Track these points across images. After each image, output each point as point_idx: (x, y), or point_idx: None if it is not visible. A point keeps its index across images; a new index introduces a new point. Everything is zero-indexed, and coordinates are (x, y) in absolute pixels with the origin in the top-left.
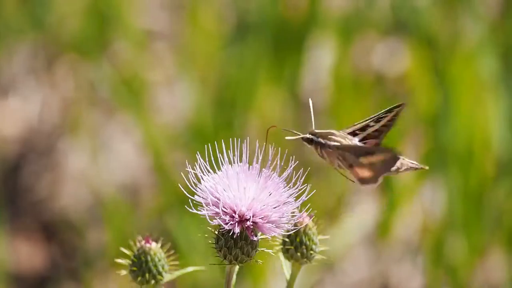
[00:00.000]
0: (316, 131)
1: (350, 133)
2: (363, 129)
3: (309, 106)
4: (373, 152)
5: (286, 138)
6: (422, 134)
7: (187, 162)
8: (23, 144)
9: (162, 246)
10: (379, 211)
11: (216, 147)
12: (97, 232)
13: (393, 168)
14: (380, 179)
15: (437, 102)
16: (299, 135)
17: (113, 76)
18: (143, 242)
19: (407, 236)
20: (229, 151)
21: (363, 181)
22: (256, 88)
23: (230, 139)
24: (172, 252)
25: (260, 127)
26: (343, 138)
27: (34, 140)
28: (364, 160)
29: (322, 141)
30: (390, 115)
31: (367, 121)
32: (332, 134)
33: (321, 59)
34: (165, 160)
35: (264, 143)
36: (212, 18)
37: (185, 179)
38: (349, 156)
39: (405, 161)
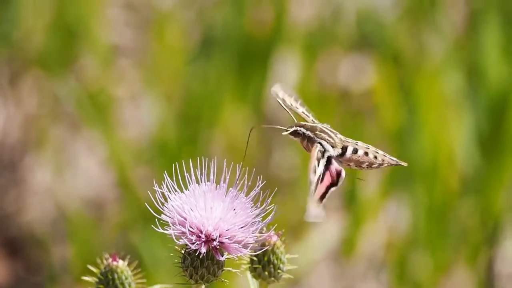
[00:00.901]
0: (303, 123)
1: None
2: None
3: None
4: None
5: (284, 134)
6: (387, 150)
7: (154, 181)
8: None
9: (129, 264)
10: (344, 227)
11: (184, 165)
12: (62, 247)
13: (375, 165)
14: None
15: (402, 118)
16: (290, 129)
17: (79, 92)
18: (110, 260)
19: (371, 252)
20: (196, 169)
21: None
22: (221, 104)
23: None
24: (138, 270)
25: (225, 143)
26: (325, 133)
27: None
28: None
29: (311, 134)
30: None
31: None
32: (317, 128)
33: (287, 75)
34: (129, 175)
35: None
36: (177, 34)
37: (152, 197)
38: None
39: (386, 157)
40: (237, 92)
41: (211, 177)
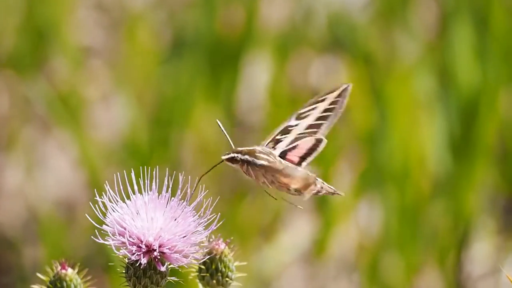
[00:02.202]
0: (240, 148)
1: (271, 141)
2: (285, 132)
3: (222, 128)
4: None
5: (223, 157)
6: (358, 152)
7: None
8: None
9: (80, 271)
10: (315, 229)
11: (125, 176)
12: (32, 248)
13: (314, 191)
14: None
15: (373, 120)
16: (225, 156)
17: (49, 93)
18: (59, 268)
19: (343, 254)
20: (139, 179)
21: (297, 190)
22: (192, 105)
23: (169, 159)
24: (88, 277)
25: (197, 145)
26: (265, 153)
27: None
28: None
29: (249, 158)
30: (324, 104)
31: (287, 122)
32: (255, 151)
33: (258, 77)
34: (100, 177)
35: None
36: (148, 35)
37: (93, 208)
38: (277, 177)
39: (324, 185)
40: (209, 93)
41: (153, 186)
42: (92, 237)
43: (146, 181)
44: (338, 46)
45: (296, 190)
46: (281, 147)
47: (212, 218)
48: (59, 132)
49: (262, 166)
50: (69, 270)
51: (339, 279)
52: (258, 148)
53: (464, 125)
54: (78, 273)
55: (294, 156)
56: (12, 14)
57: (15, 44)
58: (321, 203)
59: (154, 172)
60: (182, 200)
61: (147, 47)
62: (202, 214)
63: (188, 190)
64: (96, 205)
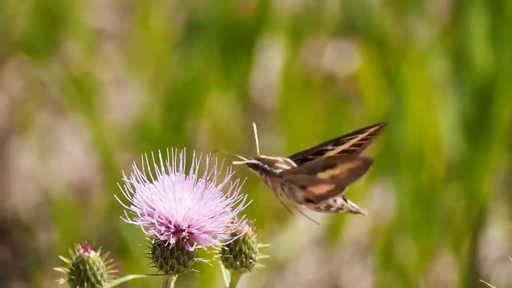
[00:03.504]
0: (262, 156)
1: (300, 159)
2: (318, 153)
3: (254, 131)
4: (334, 164)
5: (234, 163)
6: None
7: (134, 166)
8: None
9: (101, 254)
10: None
11: (153, 157)
12: (46, 232)
13: (334, 207)
14: (345, 190)
15: (387, 104)
16: (245, 160)
17: (63, 76)
18: (81, 251)
19: (357, 237)
20: (166, 160)
21: (320, 198)
22: (205, 89)
23: (182, 143)
24: (111, 260)
25: (210, 129)
26: (288, 165)
27: None
28: (323, 175)
29: (267, 168)
30: (361, 135)
31: (324, 145)
32: (277, 161)
33: (271, 60)
34: (114, 160)
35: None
36: (161, 19)
37: (121, 188)
38: (301, 178)
39: (346, 203)
40: (222, 77)
41: (180, 167)
42: (120, 217)
43: (173, 162)
44: (352, 30)
45: (315, 200)
46: (328, 160)
47: (239, 199)
48: (72, 116)
49: (279, 174)
50: (92, 253)
51: (353, 263)
52: (280, 159)
53: (478, 108)
54: (99, 256)
55: None
56: None
57: (28, 27)
58: None
59: (180, 154)
60: (209, 182)
61: (161, 30)
62: (229, 196)
63: (215, 172)
64: (124, 185)
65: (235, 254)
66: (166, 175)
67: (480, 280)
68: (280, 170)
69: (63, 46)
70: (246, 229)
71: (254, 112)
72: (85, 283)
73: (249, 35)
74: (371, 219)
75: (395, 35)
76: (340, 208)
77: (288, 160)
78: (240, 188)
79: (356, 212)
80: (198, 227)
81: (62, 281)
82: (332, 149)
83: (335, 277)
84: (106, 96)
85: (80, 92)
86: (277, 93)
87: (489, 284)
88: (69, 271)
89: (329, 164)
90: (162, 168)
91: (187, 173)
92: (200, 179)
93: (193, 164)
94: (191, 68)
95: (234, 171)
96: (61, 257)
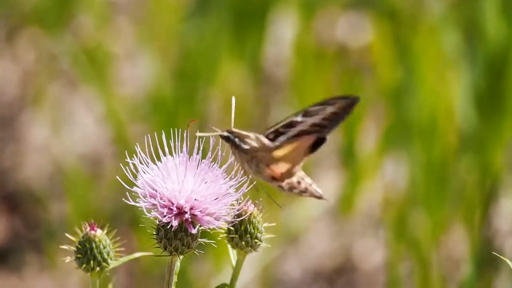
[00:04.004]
0: (234, 130)
1: (273, 132)
2: (289, 126)
3: (232, 105)
4: (283, 145)
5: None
6: (384, 108)
7: (146, 139)
8: None
9: (109, 232)
10: (342, 184)
11: (156, 137)
12: (59, 204)
13: (297, 190)
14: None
15: (399, 76)
16: (218, 132)
17: (75, 49)
18: (88, 229)
19: (369, 209)
20: (169, 140)
21: (281, 176)
22: (217, 61)
23: (194, 114)
24: (119, 237)
25: (222, 100)
26: (258, 142)
27: None
28: (280, 152)
29: (237, 142)
30: (330, 108)
31: (294, 115)
32: (248, 137)
33: (284, 32)
34: (126, 132)
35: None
36: None
37: (124, 170)
38: (262, 156)
39: (311, 187)
40: (234, 48)
41: (184, 149)
42: (123, 199)
43: (176, 142)
44: (365, 1)
45: (278, 179)
46: (280, 140)
47: (243, 181)
48: (84, 88)
49: (246, 150)
50: (98, 231)
51: (365, 235)
52: (252, 135)
53: (491, 80)
54: (107, 233)
55: None
56: None
57: (41, 0)
58: (347, 158)
59: (184, 133)
60: (213, 162)
61: (172, 2)
62: (233, 177)
63: (219, 153)
64: (127, 167)
65: (240, 234)
66: (170, 156)
67: (493, 252)
68: (248, 147)
69: (76, 18)
70: (251, 209)
71: (266, 84)
72: (91, 262)
73: (261, 6)
74: (384, 191)
75: (408, 7)
76: (303, 191)
77: (260, 136)
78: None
79: (319, 198)
80: (201, 209)
81: (68, 259)
82: (302, 121)
83: (348, 249)
84: (118, 68)
85: (92, 64)
86: (290, 65)
87: (501, 256)
88: (75, 249)
89: (286, 142)
90: (166, 149)
91: (191, 154)
92: (204, 160)
93: (196, 145)
94: (203, 40)
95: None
96: (67, 235)
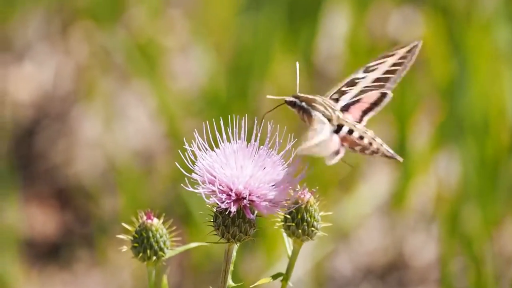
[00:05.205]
0: (300, 94)
1: (337, 93)
2: (351, 84)
3: (296, 72)
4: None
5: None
6: (437, 104)
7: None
8: (37, 109)
9: (164, 222)
10: (394, 180)
11: (214, 125)
12: (111, 199)
13: (368, 150)
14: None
15: (452, 72)
16: (284, 98)
17: (128, 43)
18: (144, 218)
19: (421, 205)
20: (227, 128)
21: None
22: (271, 56)
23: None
24: (174, 227)
25: (275, 95)
26: (325, 106)
27: (48, 106)
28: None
29: (305, 105)
30: (391, 59)
31: (355, 73)
32: (315, 100)
33: (336, 26)
34: (179, 127)
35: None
36: None
37: (182, 156)
38: None
39: (382, 147)
40: (287, 43)
41: (242, 135)
42: (182, 185)
43: (234, 129)
44: None
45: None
46: (345, 99)
47: (301, 168)
48: (137, 82)
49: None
50: (155, 220)
51: (417, 230)
52: (319, 98)
53: None
54: (162, 223)
55: (356, 109)
56: None
57: None
58: (400, 154)
59: (242, 122)
60: (271, 149)
61: None
62: (290, 163)
63: (277, 139)
64: (186, 153)
65: (297, 222)
66: (228, 143)
67: None
68: (315, 113)
69: (128, 12)
70: (308, 197)
71: (318, 78)
72: (148, 251)
73: (314, 1)
74: (436, 187)
75: (461, 2)
76: (375, 152)
77: (326, 99)
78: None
79: (390, 157)
80: (259, 195)
81: (125, 248)
82: (363, 77)
83: (400, 245)
84: (171, 62)
85: (145, 59)
86: (342, 60)
87: None
88: (132, 238)
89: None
90: (224, 136)
91: (248, 140)
92: (262, 146)
93: (254, 131)
94: (256, 34)
95: (296, 139)
96: (124, 224)
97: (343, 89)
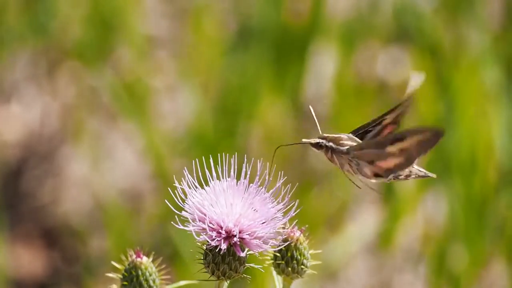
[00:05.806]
0: (326, 135)
1: (361, 133)
2: (374, 123)
3: (311, 113)
4: (404, 137)
5: (303, 140)
6: None
7: (185, 172)
8: (24, 149)
9: (154, 260)
10: (381, 219)
11: (204, 163)
12: (98, 238)
13: (402, 175)
14: (414, 162)
15: (440, 111)
16: (310, 140)
17: (115, 83)
18: (134, 256)
19: (409, 244)
20: (217, 166)
21: (388, 171)
22: (258, 95)
23: (235, 149)
24: (163, 266)
25: (262, 135)
26: (352, 141)
27: (35, 146)
28: (392, 148)
29: (333, 145)
30: (391, 115)
31: (366, 126)
32: (341, 138)
33: (324, 67)
34: (166, 167)
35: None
36: (214, 25)
37: (172, 194)
38: (369, 153)
39: (414, 168)
40: (275, 83)
41: (232, 173)
42: (172, 223)
43: (224, 168)
44: (404, 36)
45: (384, 173)
46: (369, 136)
47: (290, 205)
48: (124, 122)
49: (346, 151)
50: (144, 259)
51: (405, 270)
52: (344, 135)
53: None
54: (152, 262)
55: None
56: (79, 5)
57: (81, 34)
58: (387, 194)
59: (231, 159)
60: (260, 187)
61: (213, 37)
62: (280, 201)
63: (267, 177)
64: (175, 191)
65: (287, 260)
66: (218, 181)
67: None
68: (347, 147)
69: (116, 52)
70: (297, 235)
71: (306, 119)
72: None
73: (301, 41)
74: (423, 226)
75: (448, 42)
76: (408, 175)
77: (352, 136)
78: (291, 194)
79: (424, 177)
80: (250, 232)
81: (114, 287)
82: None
83: (387, 285)
84: (158, 102)
85: (132, 99)
86: (330, 100)
87: None
88: (121, 276)
89: (399, 137)
90: (214, 173)
91: (238, 178)
92: (251, 184)
93: (244, 170)
94: (243, 74)
95: (286, 177)
96: (113, 262)
97: (368, 128)
